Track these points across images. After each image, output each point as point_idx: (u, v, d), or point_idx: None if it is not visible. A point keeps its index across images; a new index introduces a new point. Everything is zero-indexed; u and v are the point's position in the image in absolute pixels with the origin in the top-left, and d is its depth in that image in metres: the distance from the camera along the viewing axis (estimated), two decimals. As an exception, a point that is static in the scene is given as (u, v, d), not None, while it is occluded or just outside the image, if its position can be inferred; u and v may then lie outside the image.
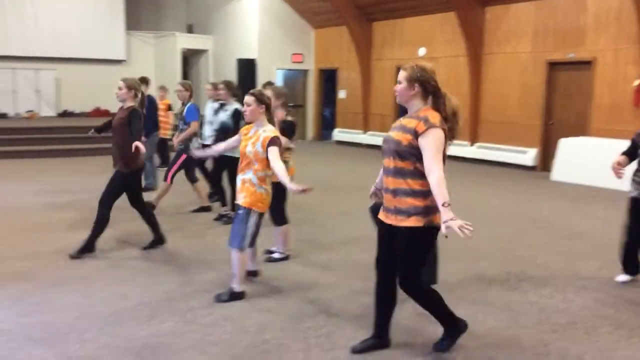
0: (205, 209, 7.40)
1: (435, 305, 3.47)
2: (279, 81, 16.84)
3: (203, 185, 7.60)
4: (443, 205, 3.05)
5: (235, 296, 4.33)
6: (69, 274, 4.87)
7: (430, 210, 3.22)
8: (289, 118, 5.28)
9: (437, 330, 3.64)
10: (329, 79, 17.11)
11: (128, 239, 6.02)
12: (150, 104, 8.63)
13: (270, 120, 4.40)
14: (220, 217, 6.90)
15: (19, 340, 3.60)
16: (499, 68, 12.24)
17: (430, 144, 3.14)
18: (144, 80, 8.78)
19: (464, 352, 3.59)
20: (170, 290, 4.55)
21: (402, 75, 3.30)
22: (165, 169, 10.33)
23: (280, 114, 5.19)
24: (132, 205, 5.61)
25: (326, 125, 17.38)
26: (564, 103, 11.27)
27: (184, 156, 7.05)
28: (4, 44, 15.64)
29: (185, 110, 7.10)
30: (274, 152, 4.15)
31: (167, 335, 3.74)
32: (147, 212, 5.69)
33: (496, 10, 12.15)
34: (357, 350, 3.52)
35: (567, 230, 6.81)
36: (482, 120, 12.71)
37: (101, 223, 5.36)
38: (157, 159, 10.64)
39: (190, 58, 18.60)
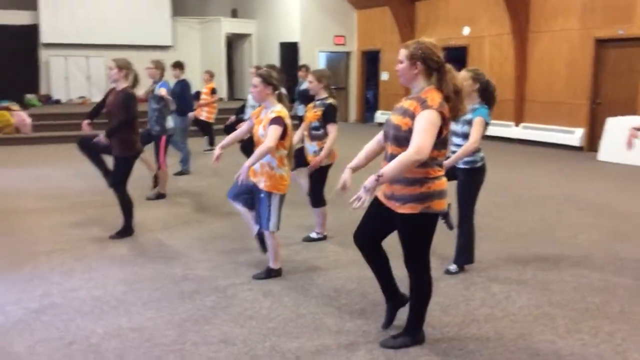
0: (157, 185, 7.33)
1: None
2: (321, 64, 16.91)
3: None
4: (378, 175, 2.94)
5: (271, 273, 4.49)
6: (117, 253, 5.13)
7: (427, 196, 3.11)
8: (330, 101, 5.19)
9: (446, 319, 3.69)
10: (371, 61, 17.05)
11: (173, 220, 6.27)
12: (183, 88, 8.82)
13: (282, 101, 4.39)
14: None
15: (70, 313, 3.85)
16: (545, 46, 11.97)
17: (419, 123, 2.97)
18: (179, 65, 8.92)
19: (493, 329, 3.64)
20: (213, 268, 4.75)
21: (402, 53, 3.12)
22: (208, 149, 10.62)
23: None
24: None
25: (369, 107, 17.36)
26: (613, 81, 10.96)
27: (163, 138, 7.12)
28: (57, 32, 16.21)
29: (156, 89, 7.12)
30: (270, 131, 4.15)
31: (208, 309, 3.93)
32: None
33: (542, -13, 11.87)
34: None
35: (611, 210, 6.71)
36: (528, 100, 12.48)
37: (126, 206, 5.51)
38: (206, 143, 10.91)
39: (234, 42, 18.83)
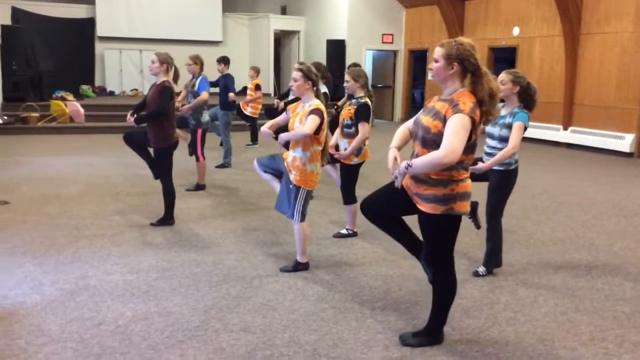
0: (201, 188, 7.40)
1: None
2: (368, 62, 16.91)
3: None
4: (408, 164, 2.99)
5: (298, 267, 4.56)
6: (153, 241, 5.31)
7: (451, 198, 3.08)
8: (364, 100, 5.20)
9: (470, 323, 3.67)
10: (418, 60, 16.94)
11: (209, 211, 6.42)
12: (227, 82, 8.98)
13: (318, 97, 4.47)
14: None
15: (102, 295, 4.03)
16: (597, 49, 11.64)
17: (450, 127, 2.93)
18: (224, 60, 9.09)
19: (514, 333, 3.61)
20: (242, 259, 4.86)
21: (438, 52, 3.04)
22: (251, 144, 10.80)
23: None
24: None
25: (415, 106, 17.26)
26: (667, 86, 10.59)
27: (200, 131, 7.27)
28: (112, 26, 16.76)
29: (197, 84, 7.25)
30: (308, 120, 4.24)
31: (234, 298, 4.03)
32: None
33: (596, -12, 11.54)
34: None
35: (654, 219, 6.50)
36: (577, 103, 12.16)
37: (169, 196, 5.70)
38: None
39: (282, 39, 19.02)
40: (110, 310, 3.80)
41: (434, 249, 3.27)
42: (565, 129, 12.28)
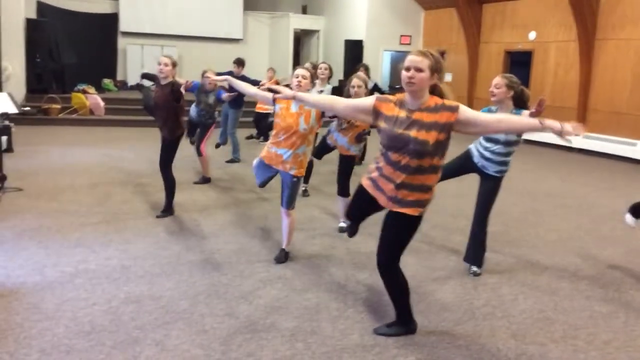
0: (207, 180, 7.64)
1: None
2: (385, 63, 17.01)
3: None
4: (541, 123, 2.88)
5: (288, 255, 4.81)
6: (155, 230, 5.52)
7: (427, 202, 3.28)
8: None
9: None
10: (436, 70, 16.94)
11: (213, 203, 6.63)
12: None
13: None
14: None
15: (99, 278, 4.25)
16: (611, 55, 11.61)
17: (470, 111, 3.10)
18: (240, 62, 9.40)
19: (489, 328, 3.74)
20: (238, 249, 5.05)
21: (424, 63, 3.04)
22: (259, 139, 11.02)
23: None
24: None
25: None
26: (681, 94, 10.52)
27: (212, 128, 7.62)
28: (135, 22, 17.10)
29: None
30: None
31: (223, 285, 4.22)
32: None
33: (612, -6, 11.51)
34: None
35: (653, 226, 6.52)
36: (591, 109, 12.14)
37: (170, 186, 5.94)
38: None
39: (302, 38, 19.19)
40: (105, 292, 4.02)
41: (399, 247, 3.37)
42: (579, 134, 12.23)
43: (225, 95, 7.00)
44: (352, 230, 3.87)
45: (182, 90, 5.65)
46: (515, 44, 13.86)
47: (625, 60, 11.32)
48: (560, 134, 2.84)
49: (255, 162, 4.79)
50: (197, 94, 7.56)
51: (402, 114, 3.18)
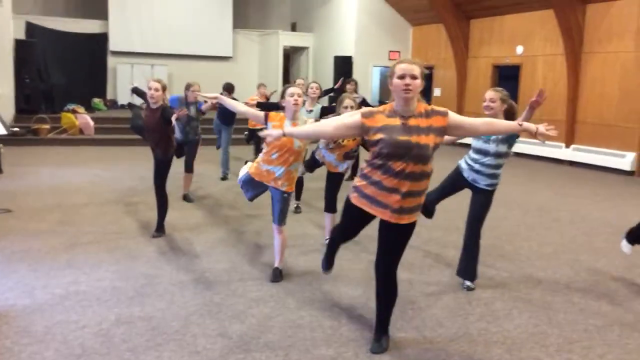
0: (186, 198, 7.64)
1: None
2: (375, 78, 17.10)
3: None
4: (520, 125, 3.29)
5: (281, 273, 4.78)
6: (146, 249, 5.47)
7: (421, 206, 3.41)
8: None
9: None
10: (424, 77, 17.05)
11: (203, 221, 6.59)
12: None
13: None
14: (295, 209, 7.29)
15: (89, 300, 4.20)
16: (598, 68, 11.73)
17: (460, 117, 3.33)
18: (229, 88, 9.46)
19: (483, 343, 3.72)
20: (230, 268, 5.01)
21: (417, 70, 3.20)
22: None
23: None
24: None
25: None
26: (668, 105, 10.62)
27: (199, 143, 7.69)
28: (124, 41, 17.10)
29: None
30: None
31: (215, 305, 4.18)
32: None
33: (598, 8, 11.63)
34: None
35: (644, 237, 6.53)
36: (579, 121, 12.24)
37: (164, 203, 5.91)
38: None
39: (292, 55, 19.28)
40: (96, 314, 3.97)
41: (402, 253, 3.47)
42: (568, 146, 12.34)
43: (204, 106, 7.06)
44: (327, 264, 3.96)
45: (173, 119, 5.60)
46: (503, 58, 13.98)
47: (613, 73, 11.44)
48: (535, 134, 3.22)
49: (241, 176, 4.76)
50: (179, 106, 7.55)
51: (396, 122, 3.22)
